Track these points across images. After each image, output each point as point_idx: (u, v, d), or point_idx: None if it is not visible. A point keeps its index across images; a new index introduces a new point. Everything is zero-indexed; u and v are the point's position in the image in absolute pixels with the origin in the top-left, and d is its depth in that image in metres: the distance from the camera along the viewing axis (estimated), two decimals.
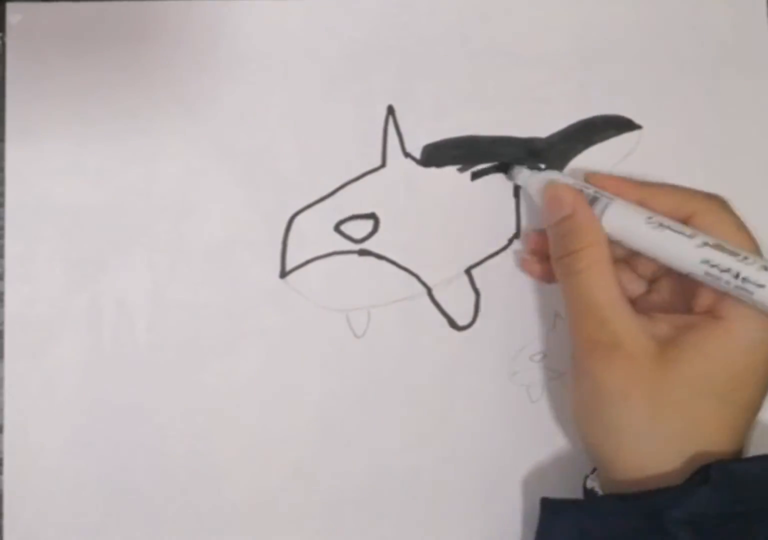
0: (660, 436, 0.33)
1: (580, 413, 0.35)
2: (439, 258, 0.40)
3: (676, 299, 0.36)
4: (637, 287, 0.37)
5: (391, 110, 0.40)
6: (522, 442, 0.40)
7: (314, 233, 0.40)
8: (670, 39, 0.41)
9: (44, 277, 0.39)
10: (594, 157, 0.41)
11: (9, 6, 0.40)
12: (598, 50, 0.41)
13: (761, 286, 0.31)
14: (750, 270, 0.32)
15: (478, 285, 0.40)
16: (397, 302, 0.40)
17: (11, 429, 0.39)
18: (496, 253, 0.40)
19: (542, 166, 0.40)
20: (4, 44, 0.40)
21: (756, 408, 0.34)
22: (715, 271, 0.32)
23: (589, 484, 0.36)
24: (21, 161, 0.39)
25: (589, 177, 0.37)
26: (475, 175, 0.40)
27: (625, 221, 0.35)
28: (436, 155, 0.40)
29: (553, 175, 0.38)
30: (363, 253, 0.40)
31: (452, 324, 0.40)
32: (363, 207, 0.40)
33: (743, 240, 0.34)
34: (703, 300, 0.34)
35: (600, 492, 0.35)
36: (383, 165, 0.40)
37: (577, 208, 0.35)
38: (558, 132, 0.40)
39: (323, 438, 0.39)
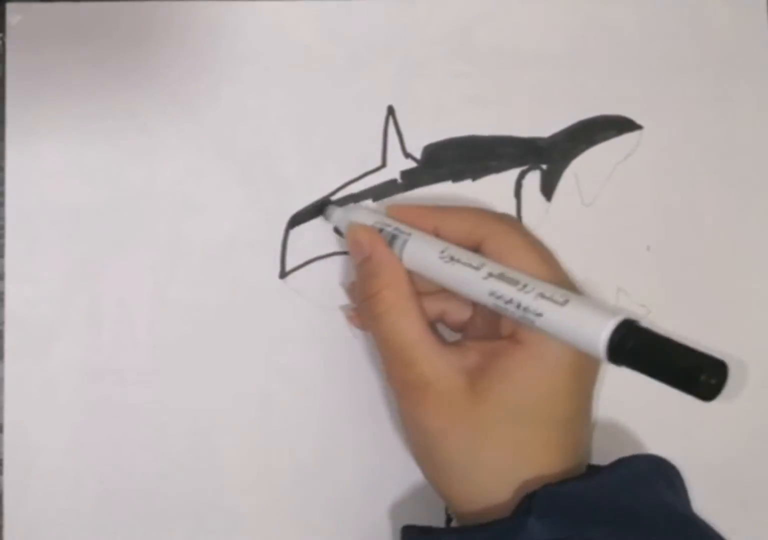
0: (485, 468, 0.33)
1: (412, 451, 0.36)
2: None
3: (490, 325, 0.35)
4: (466, 312, 0.37)
5: (391, 110, 0.40)
6: None
7: (314, 233, 0.40)
8: (670, 39, 0.41)
9: (44, 277, 0.39)
10: (595, 157, 0.40)
11: (9, 6, 0.40)
12: (598, 50, 0.41)
13: (539, 314, 0.31)
14: (528, 299, 0.31)
15: None
16: None
17: (11, 429, 0.39)
18: None
19: (351, 204, 0.40)
20: (4, 44, 0.40)
21: (580, 423, 0.34)
22: (500, 303, 0.32)
23: (450, 511, 0.37)
24: (21, 161, 0.39)
25: (389, 210, 0.37)
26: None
27: (421, 256, 0.34)
28: (436, 155, 0.40)
29: (357, 213, 0.37)
30: (348, 251, 0.40)
31: None
32: None
33: (532, 261, 0.33)
34: (506, 325, 0.34)
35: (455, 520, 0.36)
36: (383, 165, 0.40)
37: (373, 248, 0.35)
38: (559, 132, 0.40)
39: (323, 437, 0.39)
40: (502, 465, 0.33)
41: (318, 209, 0.39)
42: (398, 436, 0.39)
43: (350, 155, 0.40)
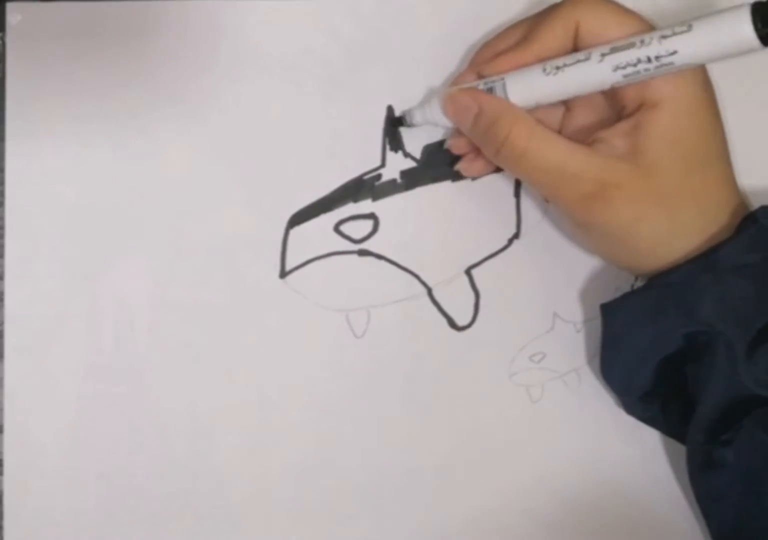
0: (685, 227, 0.34)
1: (607, 256, 0.38)
2: (439, 258, 0.40)
3: (600, 116, 0.36)
4: (558, 112, 0.38)
5: (391, 110, 0.40)
6: (521, 443, 0.40)
7: (314, 233, 0.40)
8: None
9: (44, 277, 0.39)
10: None
11: (9, 6, 0.40)
12: None
13: (673, 53, 0.31)
14: (654, 48, 0.32)
15: (478, 285, 0.40)
16: (397, 302, 0.40)
17: (11, 429, 0.39)
18: (496, 253, 0.40)
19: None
20: (4, 44, 0.40)
21: (727, 156, 0.36)
22: (630, 70, 0.32)
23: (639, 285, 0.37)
24: (21, 161, 0.39)
25: (482, 71, 0.36)
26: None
27: (527, 88, 0.35)
28: (436, 155, 0.40)
29: (442, 91, 0.37)
30: (363, 253, 0.40)
31: (452, 324, 0.40)
32: (363, 207, 0.40)
33: (631, 19, 0.34)
34: (630, 100, 0.34)
35: None
36: (383, 165, 0.40)
37: (479, 100, 0.35)
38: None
39: (323, 438, 0.39)
40: (695, 214, 0.34)
41: (393, 123, 0.40)
42: (398, 436, 0.39)
43: (350, 155, 0.40)
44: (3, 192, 0.39)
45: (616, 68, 0.32)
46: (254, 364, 0.39)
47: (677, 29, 0.32)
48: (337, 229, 0.40)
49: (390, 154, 0.40)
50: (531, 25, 0.36)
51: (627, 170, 0.34)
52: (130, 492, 0.39)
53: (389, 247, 0.40)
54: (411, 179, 0.40)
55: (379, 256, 0.40)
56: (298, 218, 0.40)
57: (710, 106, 0.35)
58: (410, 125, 0.39)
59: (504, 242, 0.40)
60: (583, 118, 0.37)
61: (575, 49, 0.35)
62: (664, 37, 0.32)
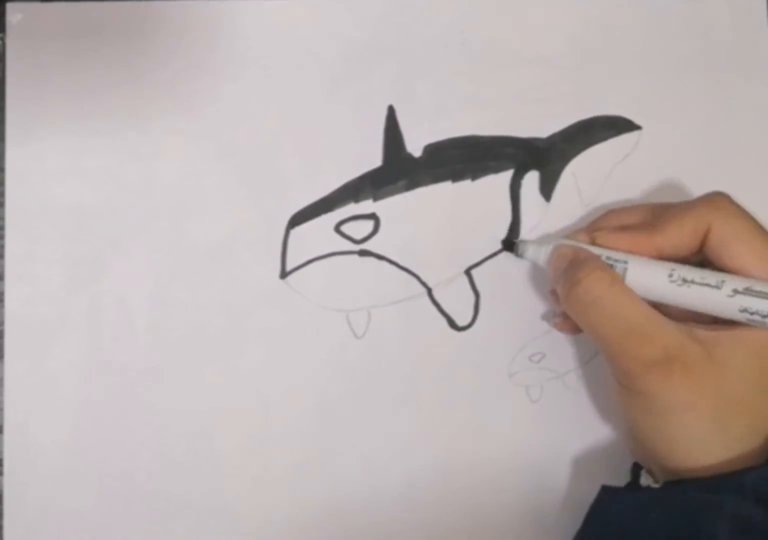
0: (727, 436, 0.33)
1: (639, 430, 0.34)
2: (439, 258, 0.40)
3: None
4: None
5: (391, 110, 0.40)
6: (521, 443, 0.40)
7: (314, 233, 0.40)
8: (670, 39, 0.41)
9: (44, 277, 0.39)
10: (593, 158, 0.41)
11: (9, 6, 0.40)
12: (598, 50, 0.41)
13: None
14: None
15: (478, 286, 0.40)
16: (397, 302, 0.40)
17: (11, 429, 0.39)
18: (496, 253, 0.40)
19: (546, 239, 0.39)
20: (4, 44, 0.40)
21: None
22: (757, 318, 0.32)
23: (644, 481, 0.36)
24: (21, 161, 0.39)
25: (597, 238, 0.36)
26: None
27: (646, 283, 0.34)
28: (436, 155, 0.40)
29: (558, 242, 0.37)
30: (363, 253, 0.40)
31: (452, 324, 0.40)
32: (363, 207, 0.40)
33: (759, 244, 0.33)
34: None
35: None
36: (383, 165, 0.40)
37: (577, 252, 0.35)
38: (558, 132, 0.41)
39: (323, 437, 0.39)
40: (741, 431, 0.33)
41: (506, 246, 0.39)
42: (398, 436, 0.39)
43: (350, 155, 0.40)
44: (3, 192, 0.39)
45: (744, 310, 0.32)
46: (254, 364, 0.39)
47: None
48: (337, 229, 0.40)
49: (390, 154, 0.40)
50: (661, 213, 0.35)
51: (700, 355, 0.32)
52: (130, 492, 0.39)
53: (390, 247, 0.40)
54: (411, 179, 0.40)
55: (380, 257, 0.40)
56: (299, 218, 0.40)
57: None
58: (519, 255, 0.38)
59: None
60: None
61: (700, 250, 0.34)
62: None
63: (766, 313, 0.32)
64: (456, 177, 0.40)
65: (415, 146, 0.40)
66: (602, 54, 0.41)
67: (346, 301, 0.39)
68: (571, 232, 0.37)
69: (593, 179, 0.41)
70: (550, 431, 0.40)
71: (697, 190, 0.40)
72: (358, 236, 0.40)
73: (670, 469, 0.34)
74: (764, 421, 0.33)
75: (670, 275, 0.33)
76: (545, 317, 0.39)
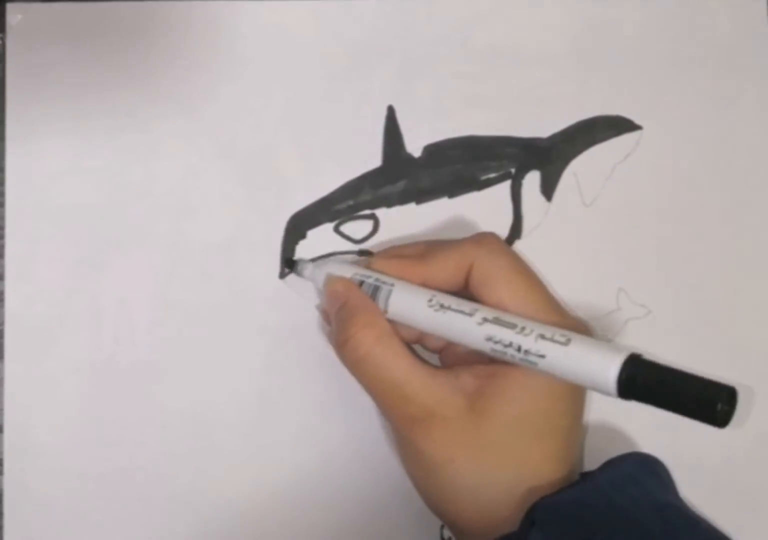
0: (491, 487, 0.33)
1: (414, 481, 0.36)
2: None
3: (471, 352, 0.35)
4: (440, 340, 0.36)
5: (391, 110, 0.40)
6: None
7: (314, 233, 0.40)
8: (670, 39, 0.41)
9: (44, 277, 0.39)
10: (594, 158, 0.40)
11: (9, 6, 0.40)
12: (598, 50, 0.41)
13: (542, 356, 0.31)
14: (528, 341, 0.31)
15: None
16: None
17: (11, 429, 0.39)
18: None
19: (324, 259, 0.39)
20: (4, 44, 0.40)
21: (575, 432, 0.35)
22: (499, 347, 0.32)
23: (446, 535, 0.37)
24: (21, 161, 0.39)
25: (371, 263, 0.36)
26: (482, 183, 0.40)
27: (407, 306, 0.34)
28: (436, 155, 0.40)
29: (333, 267, 0.37)
30: (363, 253, 0.40)
31: None
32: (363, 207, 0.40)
33: (519, 284, 0.34)
34: None
35: None
36: (383, 165, 0.40)
37: (348, 294, 0.35)
38: (559, 132, 0.41)
39: (322, 438, 0.39)
40: (507, 481, 0.33)
41: (287, 264, 0.39)
42: None
43: (350, 155, 0.40)
44: (3, 192, 0.39)
45: (489, 339, 0.32)
46: (254, 364, 0.39)
47: (557, 337, 0.31)
48: (337, 229, 0.40)
49: (390, 154, 0.40)
50: (434, 247, 0.36)
51: (460, 408, 0.33)
52: (130, 492, 0.39)
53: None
54: (411, 179, 0.40)
55: None
56: (298, 218, 0.40)
57: (566, 391, 0.33)
58: (298, 273, 0.39)
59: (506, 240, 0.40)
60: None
61: (466, 285, 0.34)
62: (542, 336, 0.31)
63: (507, 343, 0.31)
64: (456, 178, 0.40)
65: (415, 146, 0.40)
66: (603, 54, 0.41)
67: None
68: (354, 259, 0.38)
69: (594, 179, 0.41)
70: None
71: (697, 189, 0.40)
72: (358, 236, 0.40)
73: (448, 520, 0.35)
74: (533, 471, 0.33)
75: (430, 300, 0.33)
76: (326, 333, 0.39)
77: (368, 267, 0.36)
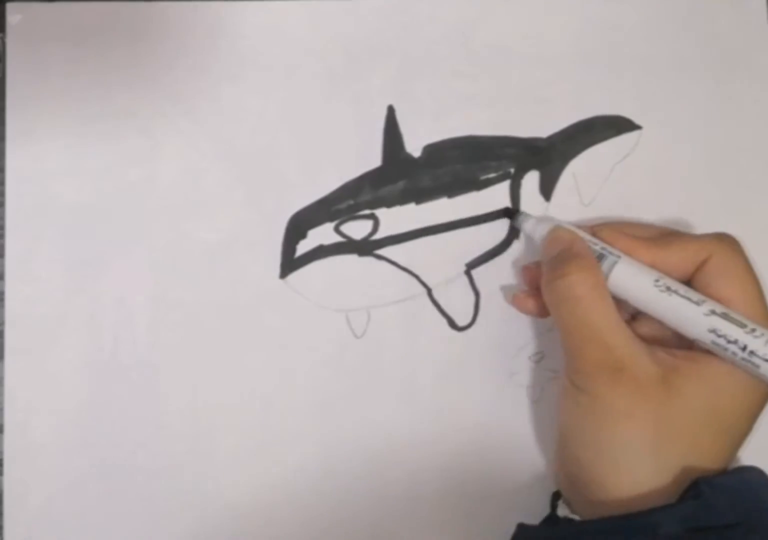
0: (658, 458, 0.33)
1: (572, 431, 0.35)
2: (439, 258, 0.40)
3: (667, 333, 0.35)
4: (622, 316, 0.36)
5: (391, 110, 0.40)
6: (521, 442, 0.40)
7: (314, 233, 0.40)
8: (670, 39, 0.41)
9: (44, 277, 0.39)
10: (593, 157, 0.41)
11: (9, 6, 0.40)
12: (598, 50, 0.41)
13: (767, 360, 0.31)
14: (758, 343, 0.31)
15: (478, 285, 0.40)
16: (397, 302, 0.40)
17: (11, 429, 0.39)
18: (497, 253, 0.40)
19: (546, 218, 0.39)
20: (4, 44, 0.40)
21: (747, 436, 0.35)
22: (722, 341, 0.32)
23: (561, 512, 0.36)
24: (21, 161, 0.39)
25: (599, 231, 0.36)
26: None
27: (632, 282, 0.34)
28: (436, 155, 0.40)
29: (561, 223, 0.37)
30: (363, 253, 0.40)
31: (452, 324, 0.40)
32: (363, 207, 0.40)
33: (750, 288, 0.34)
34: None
35: (576, 518, 0.35)
36: (383, 165, 0.40)
37: (574, 242, 0.35)
38: (558, 132, 0.41)
39: (323, 437, 0.39)
40: (676, 459, 0.33)
41: (507, 213, 0.39)
42: (398, 436, 0.39)
43: (350, 155, 0.40)
44: (3, 192, 0.39)
45: (712, 331, 0.32)
46: (254, 364, 0.39)
47: None
48: (337, 229, 0.40)
49: (390, 154, 0.40)
50: (670, 233, 0.36)
51: (653, 375, 0.33)
52: (130, 492, 0.39)
53: (389, 247, 0.40)
54: (411, 179, 0.40)
55: (379, 257, 0.40)
56: (298, 218, 0.40)
57: (762, 398, 0.34)
58: (517, 226, 0.39)
59: (503, 243, 0.40)
60: (650, 324, 0.36)
61: (691, 278, 0.35)
62: None
63: (732, 339, 0.32)
64: (455, 178, 0.40)
65: (414, 146, 0.40)
66: (602, 54, 0.41)
67: (346, 301, 0.39)
68: (580, 223, 0.38)
69: (593, 179, 0.41)
70: (550, 431, 0.40)
71: (697, 189, 0.40)
72: (358, 236, 0.40)
73: (593, 480, 0.34)
74: (698, 457, 0.33)
75: (657, 280, 0.34)
76: (503, 289, 0.39)
77: (594, 235, 0.36)
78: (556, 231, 0.36)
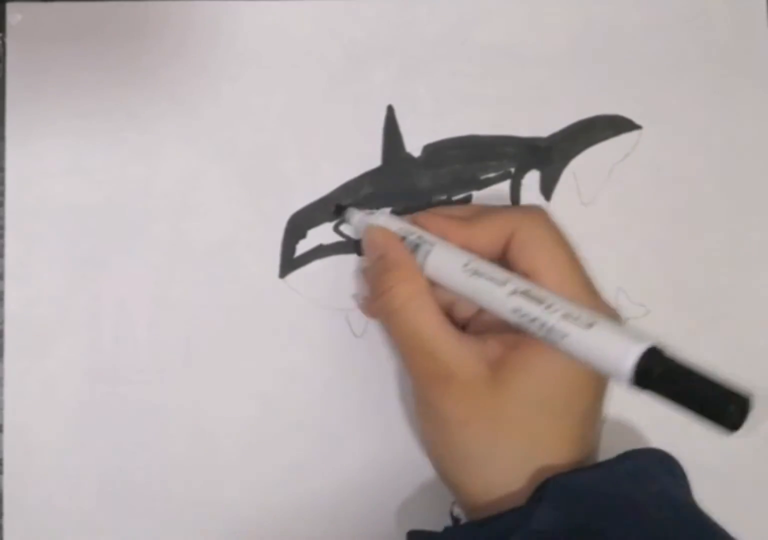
0: (502, 458, 0.33)
1: (427, 442, 0.36)
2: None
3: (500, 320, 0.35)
4: (471, 307, 0.36)
5: (391, 110, 0.40)
6: None
7: (314, 233, 0.40)
8: (670, 39, 0.41)
9: (44, 277, 0.39)
10: (594, 157, 0.41)
11: (9, 6, 0.40)
12: (598, 50, 0.41)
13: (564, 336, 0.31)
14: (553, 319, 0.31)
15: None
16: None
17: (11, 429, 0.39)
18: None
19: (373, 211, 0.39)
20: (4, 44, 0.40)
21: (594, 416, 0.35)
22: (524, 320, 0.32)
23: (455, 511, 0.36)
24: (21, 161, 0.39)
25: (415, 219, 0.36)
26: (482, 183, 0.40)
27: (444, 269, 0.34)
28: (437, 155, 0.40)
29: (378, 218, 0.37)
30: (363, 253, 0.40)
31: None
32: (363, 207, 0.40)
33: (557, 256, 0.34)
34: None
35: (462, 519, 0.36)
36: (383, 165, 0.40)
37: (389, 247, 0.35)
38: (558, 132, 0.41)
39: (323, 437, 0.39)
40: (519, 455, 0.33)
41: (337, 211, 0.39)
42: (398, 436, 0.39)
43: (350, 155, 0.40)
44: (3, 192, 0.39)
45: (515, 311, 0.32)
46: (254, 364, 0.39)
47: (583, 318, 0.31)
48: (337, 228, 0.40)
49: (390, 154, 0.40)
50: (482, 210, 0.36)
51: (481, 375, 0.33)
52: (130, 492, 0.39)
53: None
54: (411, 179, 0.40)
55: None
56: (298, 218, 0.40)
57: (589, 375, 0.33)
58: (346, 220, 0.39)
59: None
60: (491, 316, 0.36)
61: (503, 252, 0.34)
62: (567, 316, 0.31)
63: (532, 317, 0.31)
64: (456, 178, 0.40)
65: (414, 146, 0.40)
66: (602, 54, 0.41)
67: (346, 301, 0.39)
68: (400, 213, 0.38)
69: (593, 179, 0.41)
70: None
71: (697, 189, 0.40)
72: (358, 236, 0.40)
73: (454, 487, 0.34)
74: (544, 449, 0.33)
75: (466, 264, 0.34)
76: (354, 297, 0.39)
77: (414, 222, 0.36)
78: (370, 233, 0.36)
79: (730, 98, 0.41)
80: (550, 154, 0.40)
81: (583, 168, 0.40)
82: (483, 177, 0.40)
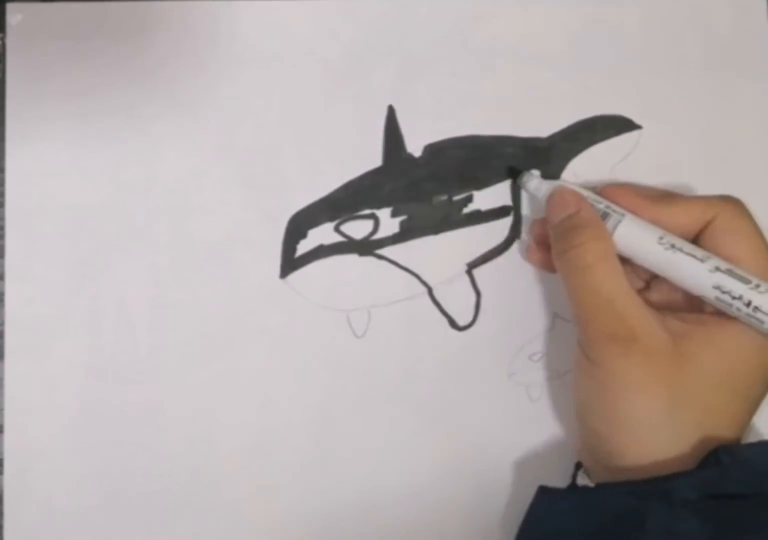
0: (675, 427, 0.33)
1: (588, 405, 0.35)
2: (440, 258, 0.40)
3: (678, 298, 0.36)
4: (635, 284, 0.37)
5: (391, 110, 0.40)
6: (521, 442, 0.40)
7: (314, 233, 0.40)
8: (670, 39, 0.41)
9: (44, 277, 0.39)
10: (594, 157, 0.41)
11: (9, 6, 0.40)
12: (598, 50, 0.41)
13: None
14: (762, 299, 0.32)
15: (479, 285, 0.40)
16: (397, 302, 0.40)
17: (11, 429, 0.39)
18: (498, 252, 0.40)
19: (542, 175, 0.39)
20: (4, 44, 0.40)
21: (761, 401, 0.35)
22: (726, 298, 0.32)
23: (580, 481, 0.36)
24: (21, 161, 0.39)
25: (603, 190, 0.37)
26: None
27: (636, 240, 0.34)
28: (437, 155, 0.40)
29: (563, 182, 0.38)
30: (363, 252, 0.40)
31: (452, 324, 0.40)
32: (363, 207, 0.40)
33: (756, 247, 0.34)
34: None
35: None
36: (383, 165, 0.40)
37: (582, 207, 0.35)
38: (558, 132, 0.41)
39: (323, 437, 0.39)
40: (691, 426, 0.33)
41: (510, 173, 0.39)
42: (398, 436, 0.39)
43: (350, 155, 0.40)
44: (3, 192, 0.39)
45: (717, 287, 0.32)
46: (254, 364, 0.39)
47: None
48: (337, 228, 0.40)
49: (390, 154, 0.40)
50: (674, 193, 0.37)
51: (664, 343, 0.33)
52: (130, 492, 0.39)
53: (390, 246, 0.40)
54: (411, 179, 0.40)
55: (380, 256, 0.40)
56: (299, 218, 0.40)
57: None
58: (521, 184, 0.39)
59: (504, 242, 0.40)
60: (663, 290, 0.37)
61: (696, 236, 0.35)
62: None
63: (737, 295, 0.32)
64: (456, 178, 0.40)
65: (415, 146, 0.40)
66: (602, 54, 0.41)
67: (346, 301, 0.39)
68: (584, 184, 0.38)
69: (593, 179, 0.40)
70: (550, 431, 0.40)
71: (698, 189, 0.40)
72: (358, 236, 0.40)
73: (612, 452, 0.34)
74: (714, 423, 0.33)
75: (661, 238, 0.34)
76: (520, 245, 0.40)
77: (599, 193, 0.36)
78: (561, 192, 0.36)
79: (730, 98, 0.41)
80: (550, 154, 0.40)
81: (583, 168, 0.40)
82: (483, 177, 0.40)
